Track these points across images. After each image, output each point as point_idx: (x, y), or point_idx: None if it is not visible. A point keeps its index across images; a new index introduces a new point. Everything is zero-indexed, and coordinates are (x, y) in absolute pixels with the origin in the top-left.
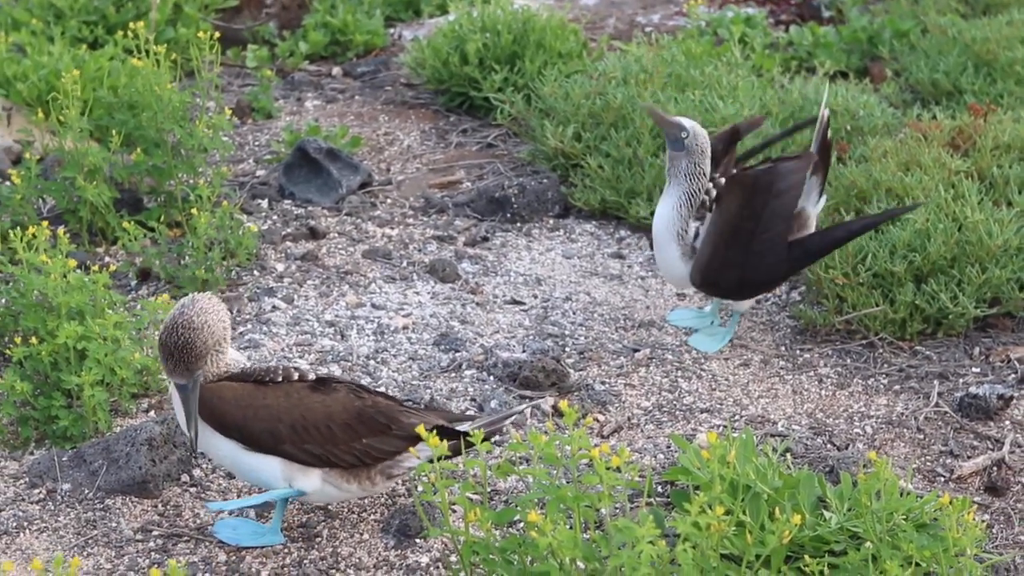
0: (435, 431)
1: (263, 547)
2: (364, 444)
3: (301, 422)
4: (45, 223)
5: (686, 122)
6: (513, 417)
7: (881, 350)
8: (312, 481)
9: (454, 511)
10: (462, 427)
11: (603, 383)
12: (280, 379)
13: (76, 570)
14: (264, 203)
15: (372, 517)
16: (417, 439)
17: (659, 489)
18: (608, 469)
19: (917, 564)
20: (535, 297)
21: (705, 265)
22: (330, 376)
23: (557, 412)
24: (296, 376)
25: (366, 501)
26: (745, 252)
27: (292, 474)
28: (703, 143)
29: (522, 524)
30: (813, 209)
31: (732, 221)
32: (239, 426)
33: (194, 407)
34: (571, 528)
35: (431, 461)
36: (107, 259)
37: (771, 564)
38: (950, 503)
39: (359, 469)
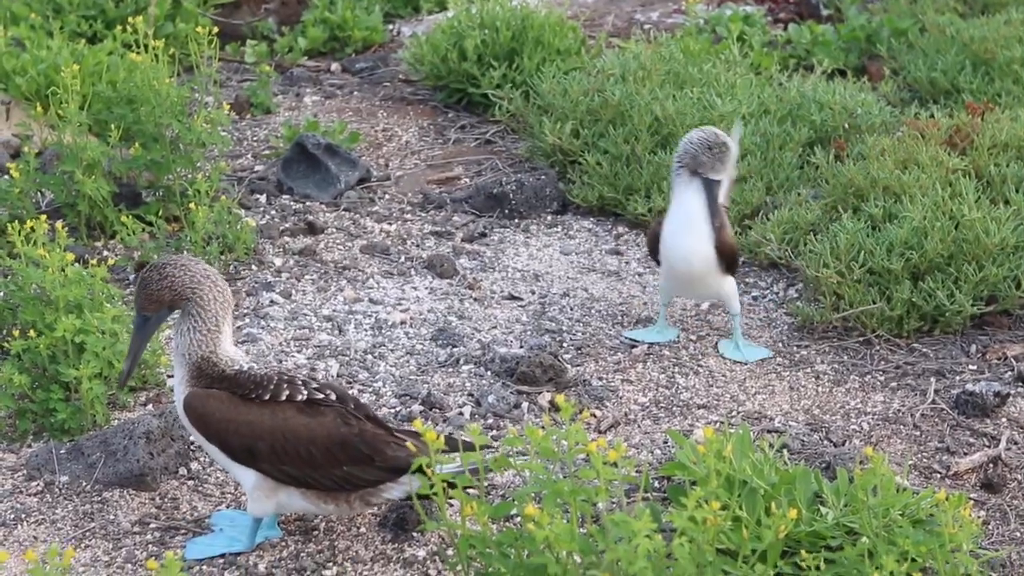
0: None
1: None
2: (344, 471)
3: (281, 443)
4: (43, 217)
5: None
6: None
7: (878, 347)
8: (279, 500)
9: (451, 505)
10: (446, 468)
11: (600, 379)
12: (268, 396)
13: (71, 561)
14: (262, 198)
15: (369, 511)
16: (400, 472)
17: (656, 484)
18: (605, 463)
19: (913, 560)
20: (533, 293)
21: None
22: (323, 397)
23: (554, 407)
24: (286, 393)
25: None
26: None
27: (264, 487)
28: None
29: (519, 518)
30: None
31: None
32: (220, 438)
33: (137, 345)
34: (568, 522)
35: (409, 498)
36: (105, 253)
37: (767, 559)
38: (946, 499)
39: (337, 493)
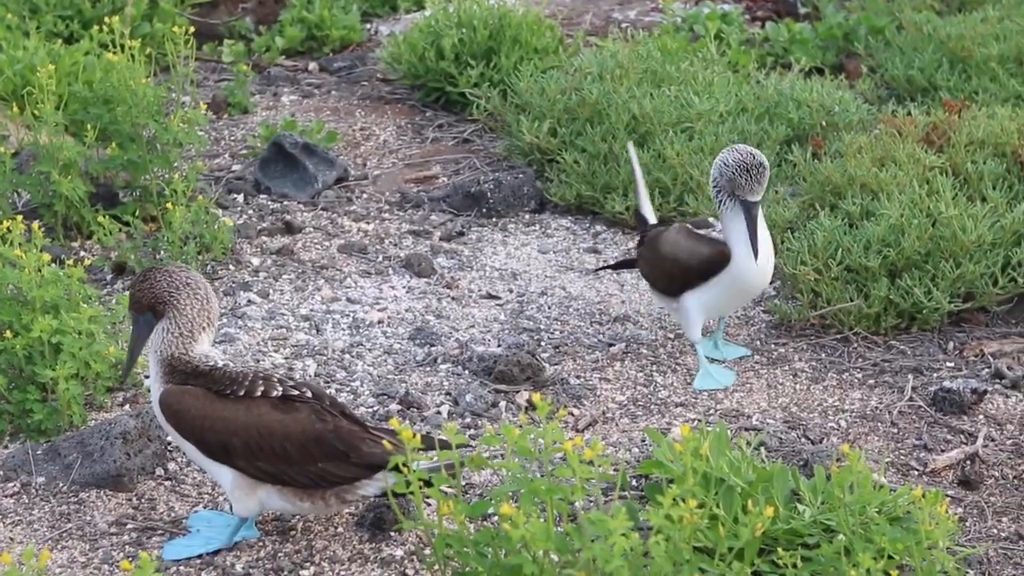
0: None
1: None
2: (320, 468)
3: (256, 440)
4: (20, 217)
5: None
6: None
7: (855, 344)
8: (260, 497)
9: (429, 504)
10: (422, 465)
11: (578, 377)
12: (243, 392)
13: (47, 563)
14: (240, 198)
15: (347, 510)
16: (376, 468)
17: (634, 483)
18: (581, 462)
19: (890, 557)
20: (510, 292)
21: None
22: (299, 394)
23: (532, 406)
24: (261, 389)
25: None
26: None
27: (242, 485)
28: None
29: (496, 517)
30: None
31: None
32: (194, 435)
33: (132, 343)
34: (544, 521)
35: (385, 495)
36: (82, 253)
37: (745, 557)
38: (923, 496)
39: (313, 490)
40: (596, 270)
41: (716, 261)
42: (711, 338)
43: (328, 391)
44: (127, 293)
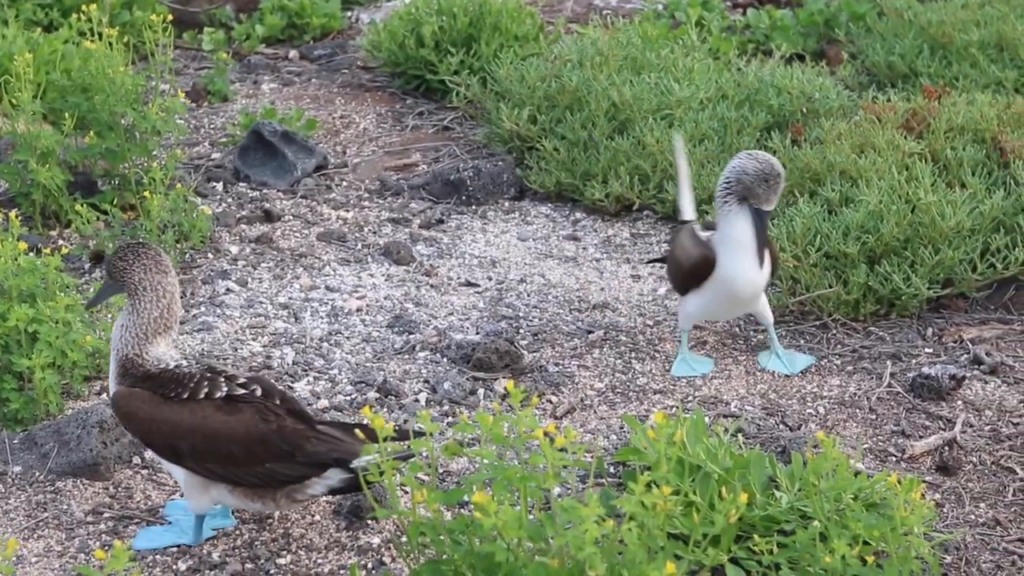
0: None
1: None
2: (267, 468)
3: (202, 443)
4: None
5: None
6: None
7: (835, 331)
8: (213, 496)
9: (407, 492)
10: (359, 462)
11: (557, 364)
12: (187, 394)
13: (22, 552)
14: (219, 186)
15: (324, 499)
16: (324, 467)
17: (612, 470)
18: (555, 449)
19: (866, 543)
20: (490, 279)
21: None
22: (244, 394)
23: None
24: (205, 391)
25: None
26: None
27: (195, 484)
28: None
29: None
30: None
31: None
32: (143, 437)
33: (98, 299)
34: (518, 508)
35: (331, 492)
36: (60, 242)
37: (721, 543)
38: (898, 482)
39: (264, 490)
40: (646, 263)
41: (700, 266)
42: (770, 351)
43: (286, 385)
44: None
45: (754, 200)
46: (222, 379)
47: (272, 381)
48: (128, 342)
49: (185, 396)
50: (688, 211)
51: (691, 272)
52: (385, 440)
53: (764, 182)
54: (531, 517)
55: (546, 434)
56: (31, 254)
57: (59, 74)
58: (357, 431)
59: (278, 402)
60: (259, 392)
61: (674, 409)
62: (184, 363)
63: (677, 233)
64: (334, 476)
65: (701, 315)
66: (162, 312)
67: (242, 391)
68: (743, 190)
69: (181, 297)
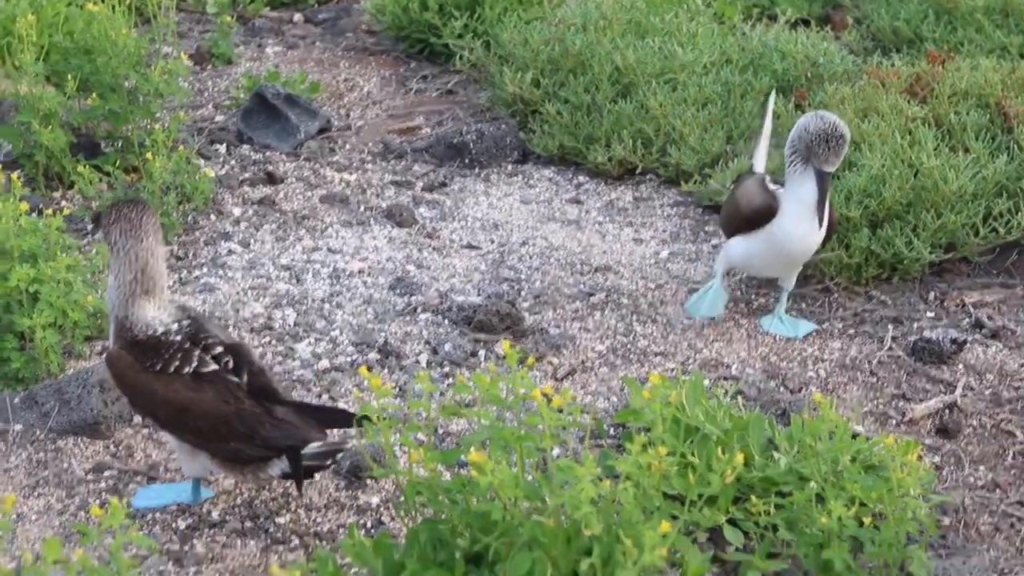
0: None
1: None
2: (232, 446)
3: (175, 416)
4: (0, 167)
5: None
6: (350, 445)
7: (836, 295)
8: (201, 462)
9: (407, 452)
10: (309, 448)
11: (558, 327)
12: (160, 367)
13: (23, 509)
14: (222, 148)
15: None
16: (280, 452)
17: (612, 432)
18: (552, 410)
19: (862, 504)
20: (492, 242)
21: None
22: (210, 372)
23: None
24: (175, 365)
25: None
26: None
27: (184, 448)
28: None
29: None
30: None
31: None
32: (129, 401)
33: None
34: (514, 468)
35: (284, 476)
36: (63, 204)
37: (719, 504)
38: (895, 444)
39: (234, 464)
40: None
41: (761, 212)
42: (774, 314)
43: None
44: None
45: (815, 160)
46: (197, 351)
47: (249, 350)
48: (113, 303)
49: (159, 368)
50: (760, 164)
51: (749, 216)
52: (382, 399)
53: (825, 142)
54: (528, 477)
55: (544, 394)
56: (33, 215)
57: (62, 36)
58: (322, 416)
59: (246, 377)
60: (231, 364)
61: (674, 371)
62: (174, 327)
63: (744, 179)
64: (281, 464)
65: (741, 261)
66: (136, 275)
67: (213, 365)
68: (805, 149)
69: (183, 259)
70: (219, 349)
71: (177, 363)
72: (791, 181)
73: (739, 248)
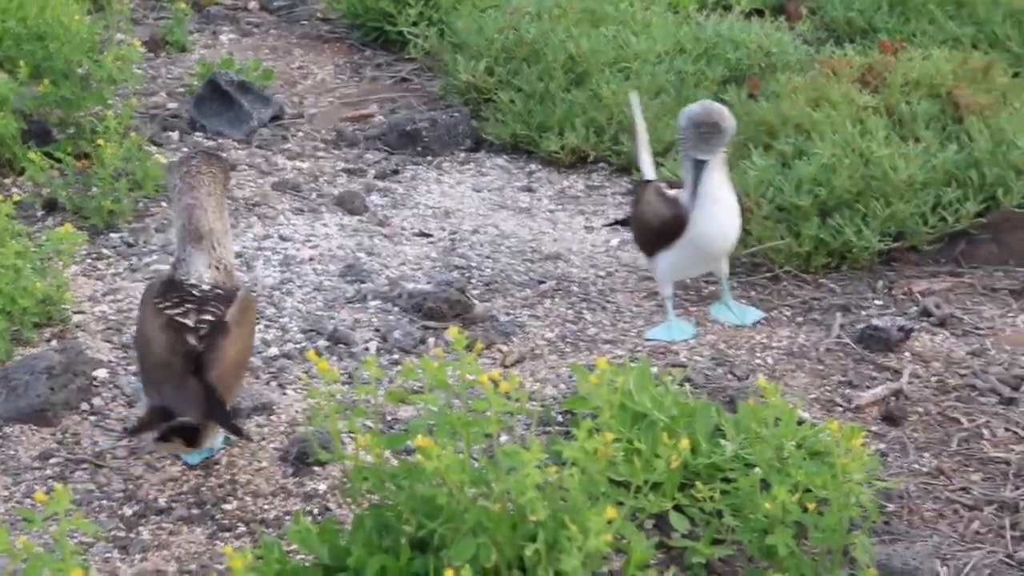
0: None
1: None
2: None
3: (135, 338)
4: None
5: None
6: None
7: (785, 283)
8: None
9: (355, 438)
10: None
11: (508, 314)
12: (160, 305)
13: None
14: (175, 135)
15: (272, 445)
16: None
17: (560, 419)
18: (499, 395)
19: (807, 490)
20: (443, 230)
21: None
22: (185, 323)
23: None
24: (169, 305)
25: (265, 430)
26: None
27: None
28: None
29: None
30: None
31: None
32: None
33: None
34: (460, 453)
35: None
36: (14, 190)
37: (665, 490)
38: (839, 431)
39: None
40: (603, 226)
41: (672, 226)
42: (721, 302)
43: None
44: None
45: (689, 148)
46: (192, 308)
47: (227, 339)
48: (175, 245)
49: (159, 305)
50: (648, 170)
51: (661, 232)
52: (330, 384)
53: (695, 128)
54: (474, 463)
55: (491, 380)
56: None
57: (15, 22)
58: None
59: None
60: (202, 332)
61: (623, 359)
62: (204, 286)
63: (641, 193)
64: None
65: (676, 274)
66: (184, 223)
67: (188, 321)
68: (682, 138)
69: (133, 245)
70: (208, 318)
71: (169, 304)
72: (685, 176)
73: (666, 264)
